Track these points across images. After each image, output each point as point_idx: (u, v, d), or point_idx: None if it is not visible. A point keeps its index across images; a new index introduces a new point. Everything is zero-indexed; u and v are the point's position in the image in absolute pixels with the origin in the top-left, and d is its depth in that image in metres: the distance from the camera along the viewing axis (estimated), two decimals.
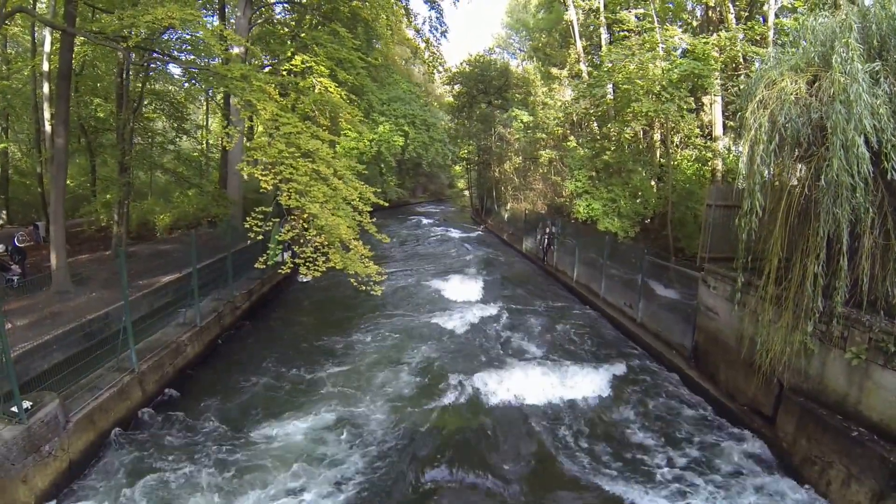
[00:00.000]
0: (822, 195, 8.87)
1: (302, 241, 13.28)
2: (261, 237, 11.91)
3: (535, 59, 39.31)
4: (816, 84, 9.59)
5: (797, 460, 10.21)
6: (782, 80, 9.86)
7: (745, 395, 12.13)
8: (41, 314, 14.15)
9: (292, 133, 12.33)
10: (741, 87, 21.73)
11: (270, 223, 12.67)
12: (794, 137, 9.54)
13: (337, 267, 12.71)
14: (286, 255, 17.43)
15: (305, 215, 12.28)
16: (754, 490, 9.93)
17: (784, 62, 10.46)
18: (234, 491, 9.63)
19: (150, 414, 12.02)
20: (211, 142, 40.58)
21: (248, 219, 12.04)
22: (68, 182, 31.04)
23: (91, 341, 12.60)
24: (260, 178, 11.64)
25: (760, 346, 10.68)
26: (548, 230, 28.90)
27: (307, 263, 12.36)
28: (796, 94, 9.55)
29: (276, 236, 14.04)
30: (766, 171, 9.89)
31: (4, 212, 31.33)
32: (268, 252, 13.02)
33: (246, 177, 12.67)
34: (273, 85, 14.24)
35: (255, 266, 13.49)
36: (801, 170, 9.91)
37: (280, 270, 12.83)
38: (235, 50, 20.98)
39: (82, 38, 23.20)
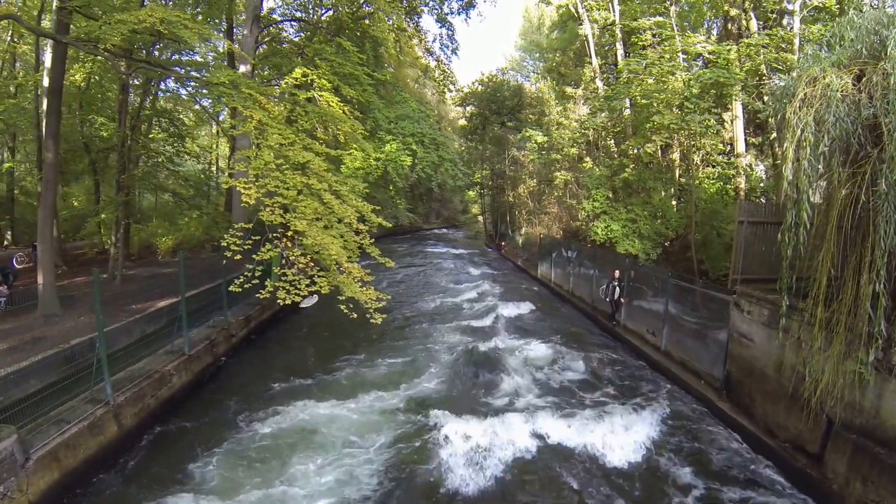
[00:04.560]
0: (882, 202, 7.74)
1: (284, 261, 12.28)
2: (239, 256, 10.88)
3: (548, 79, 38.65)
4: (864, 79, 8.54)
5: None
6: (825, 76, 8.83)
7: (786, 431, 10.88)
8: (22, 338, 13.47)
9: (283, 144, 11.45)
10: (766, 100, 20.79)
11: (270, 249, 11.63)
12: (844, 139, 8.45)
13: (323, 292, 11.75)
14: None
15: (290, 233, 11.30)
16: None
17: (824, 59, 9.43)
18: None
19: (127, 451, 11.02)
20: (222, 165, 40.42)
21: (225, 236, 11.05)
22: (74, 203, 30.92)
23: (65, 371, 11.60)
24: (242, 190, 10.69)
25: (808, 376, 9.48)
26: (616, 277, 20.32)
27: (287, 288, 11.30)
28: (843, 90, 8.51)
29: (275, 268, 13.06)
30: (814, 178, 8.75)
31: (10, 233, 31.04)
32: (269, 279, 11.91)
33: (252, 202, 11.64)
34: (272, 97, 13.46)
35: (257, 295, 12.39)
36: (849, 176, 8.78)
37: (258, 295, 11.72)
38: (242, 68, 20.53)
39: (88, 55, 23.15)
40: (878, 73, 8.27)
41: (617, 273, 20.22)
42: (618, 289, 20.11)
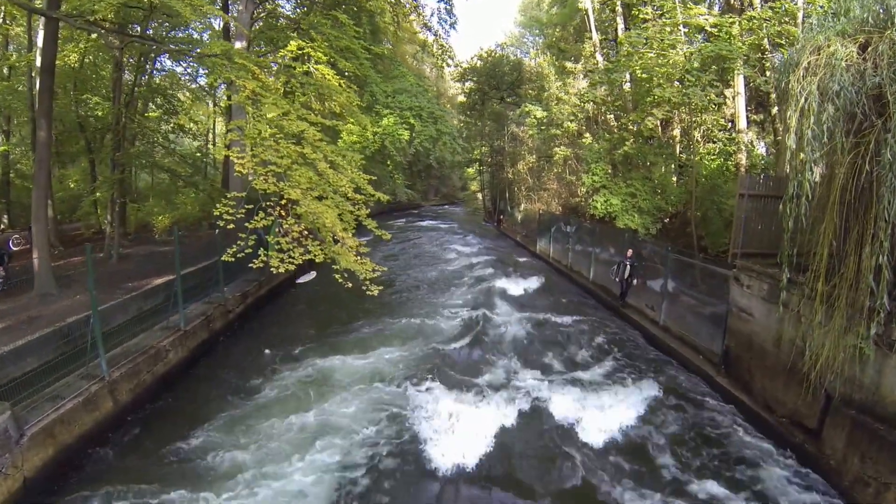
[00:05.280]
0: (886, 172, 7.58)
1: (278, 230, 12.21)
2: (232, 225, 10.84)
3: (548, 54, 38.13)
4: (870, 48, 8.33)
5: (847, 481, 8.94)
6: (829, 45, 8.62)
7: (784, 406, 10.79)
8: (19, 318, 13.37)
9: (278, 115, 11.33)
10: (768, 74, 20.50)
11: (263, 218, 11.59)
12: (848, 108, 8.26)
13: (317, 260, 11.77)
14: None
15: (284, 201, 11.22)
16: None
17: (829, 29, 9.21)
18: None
19: (123, 427, 11.00)
20: (219, 144, 40.01)
21: (217, 206, 10.97)
22: (70, 184, 30.67)
23: (60, 348, 11.62)
24: (236, 160, 10.60)
25: (808, 351, 9.35)
26: (628, 256, 18.99)
27: (281, 257, 11.26)
28: (847, 59, 8.30)
29: (269, 237, 12.97)
30: (817, 147, 8.56)
31: (6, 216, 30.79)
32: (267, 250, 11.88)
33: (245, 172, 11.57)
34: (266, 69, 13.29)
35: (250, 266, 12.37)
36: (852, 145, 8.59)
37: (251, 264, 11.72)
38: (238, 44, 20.30)
39: (81, 34, 22.84)
40: (885, 41, 8.06)
41: (630, 252, 19.03)
42: (629, 268, 18.94)
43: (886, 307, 8.01)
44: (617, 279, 19.61)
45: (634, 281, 19.13)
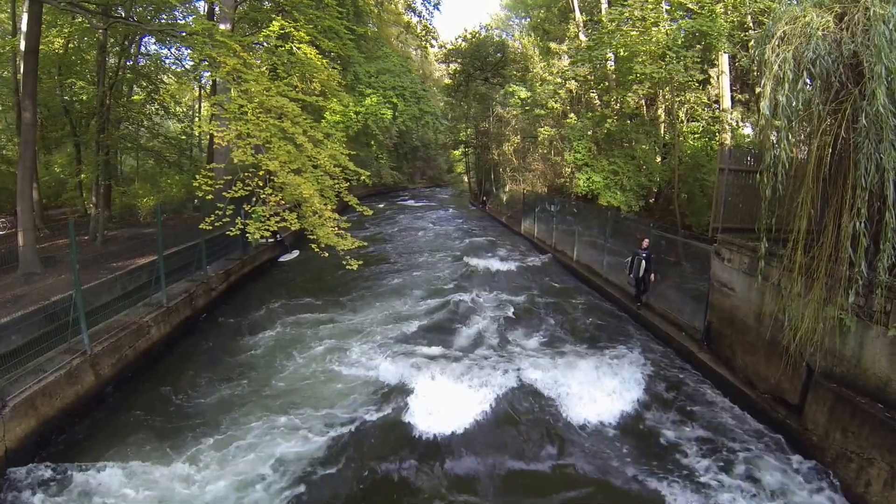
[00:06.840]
0: (862, 138, 7.63)
1: (255, 199, 12.31)
2: (210, 196, 10.93)
3: (533, 35, 38.11)
4: (846, 18, 8.38)
5: (829, 456, 8.85)
6: (805, 15, 8.66)
7: (766, 382, 10.79)
8: (3, 297, 13.36)
9: (256, 90, 11.38)
10: (751, 50, 20.57)
11: (241, 188, 11.70)
12: (824, 77, 8.30)
13: (293, 227, 12.06)
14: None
15: (262, 172, 11.33)
16: (778, 491, 8.63)
17: (805, 0, 9.26)
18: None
19: (104, 401, 11.16)
20: (204, 126, 39.54)
21: (196, 177, 11.07)
22: (56, 169, 30.40)
23: (44, 323, 11.58)
24: (215, 133, 10.67)
25: (788, 323, 9.31)
26: (643, 248, 16.21)
27: (258, 225, 11.46)
28: (824, 28, 8.35)
29: (252, 209, 13.04)
30: (794, 116, 8.61)
31: None
32: (247, 221, 12.00)
33: (225, 143, 11.69)
34: (248, 47, 13.31)
35: (227, 233, 12.56)
36: (830, 112, 8.62)
37: (228, 233, 11.87)
38: (223, 27, 20.27)
39: (65, 18, 22.62)
40: (860, 10, 8.11)
41: (645, 242, 16.26)
42: (644, 262, 16.14)
43: (866, 275, 7.97)
44: (631, 275, 16.75)
45: (651, 277, 16.37)
